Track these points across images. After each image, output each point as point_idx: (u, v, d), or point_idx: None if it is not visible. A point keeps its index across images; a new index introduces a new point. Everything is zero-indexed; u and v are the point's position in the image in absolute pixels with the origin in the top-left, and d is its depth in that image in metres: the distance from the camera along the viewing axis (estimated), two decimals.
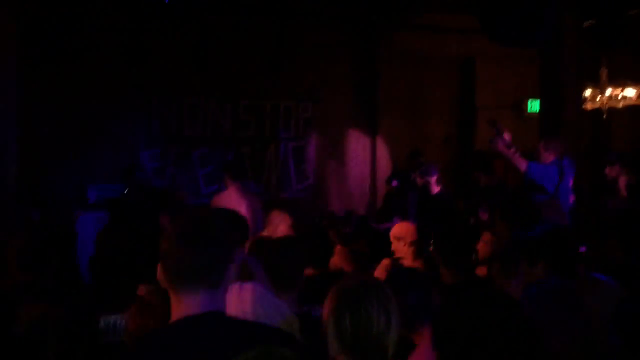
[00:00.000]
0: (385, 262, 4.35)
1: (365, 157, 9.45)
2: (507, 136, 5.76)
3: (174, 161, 8.15)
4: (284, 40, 8.35)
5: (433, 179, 7.17)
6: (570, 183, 6.15)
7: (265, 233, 4.48)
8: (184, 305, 1.67)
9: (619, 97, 8.01)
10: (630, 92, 7.93)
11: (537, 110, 8.46)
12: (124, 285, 3.09)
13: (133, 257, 4.12)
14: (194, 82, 8.11)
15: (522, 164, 5.74)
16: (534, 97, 8.98)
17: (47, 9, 6.95)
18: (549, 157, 6.08)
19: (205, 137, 8.36)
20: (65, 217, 6.88)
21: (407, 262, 4.34)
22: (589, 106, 8.15)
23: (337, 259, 5.00)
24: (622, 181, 6.16)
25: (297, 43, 8.58)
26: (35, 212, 5.64)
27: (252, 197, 6.04)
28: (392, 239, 4.89)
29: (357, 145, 9.40)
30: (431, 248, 3.75)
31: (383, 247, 5.63)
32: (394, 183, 8.45)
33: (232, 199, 5.67)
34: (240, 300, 2.12)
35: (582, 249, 3.38)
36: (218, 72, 8.16)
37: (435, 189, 7.28)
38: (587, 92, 8.05)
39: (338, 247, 5.15)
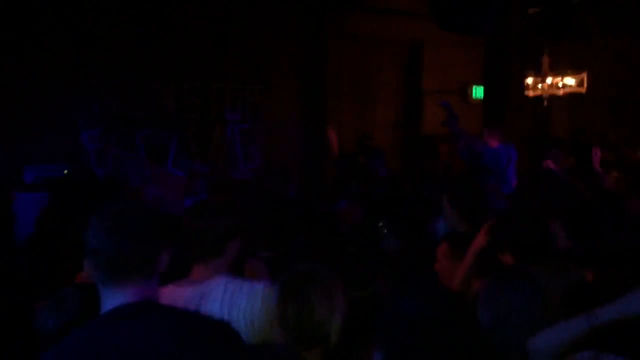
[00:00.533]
0: None
1: (313, 140, 9.42)
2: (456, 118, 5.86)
3: (117, 142, 7.91)
4: (231, 20, 8.20)
5: (380, 163, 7.23)
6: (514, 168, 6.34)
7: None
8: (112, 299, 1.63)
9: (560, 85, 8.25)
10: (570, 80, 8.18)
11: (482, 97, 8.63)
12: (63, 270, 2.97)
13: (74, 240, 3.98)
14: (137, 60, 7.86)
15: (478, 145, 5.82)
16: (479, 83, 9.15)
17: None
18: (493, 143, 6.24)
19: (149, 118, 8.14)
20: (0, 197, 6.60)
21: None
22: (530, 93, 8.36)
23: None
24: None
25: (245, 24, 8.44)
26: None
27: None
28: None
29: (306, 128, 9.36)
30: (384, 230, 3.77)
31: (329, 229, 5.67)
32: (341, 166, 8.46)
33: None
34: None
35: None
36: (162, 51, 7.93)
37: (382, 172, 7.33)
38: (529, 80, 8.26)
39: None
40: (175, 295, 2.20)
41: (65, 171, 6.99)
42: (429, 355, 1.44)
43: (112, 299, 1.62)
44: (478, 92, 9.55)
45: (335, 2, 8.85)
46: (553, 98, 8.72)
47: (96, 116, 7.71)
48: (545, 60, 8.18)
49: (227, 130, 8.77)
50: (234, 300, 2.23)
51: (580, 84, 8.25)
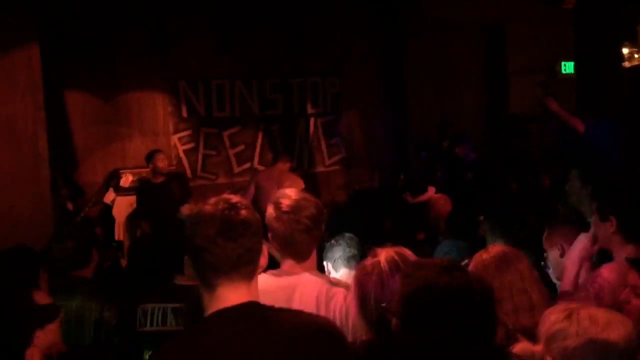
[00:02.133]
0: None
1: (395, 129, 9.31)
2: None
3: (205, 142, 8.15)
4: (306, 15, 8.22)
5: (468, 147, 7.03)
6: (618, 145, 5.94)
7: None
8: (217, 301, 1.63)
9: None
10: None
11: (572, 72, 8.22)
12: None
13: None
14: (219, 63, 8.06)
15: (579, 124, 5.46)
16: (568, 58, 8.72)
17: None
18: (589, 121, 5.85)
19: (234, 117, 8.33)
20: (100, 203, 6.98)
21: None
22: (627, 64, 7.85)
23: None
24: None
25: (320, 17, 8.44)
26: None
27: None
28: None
29: (387, 117, 9.27)
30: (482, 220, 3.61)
31: (417, 219, 5.58)
32: (424, 154, 8.33)
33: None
34: None
35: None
36: (243, 51, 8.08)
37: (471, 156, 7.14)
38: (625, 50, 7.75)
39: None
40: (269, 283, 2.24)
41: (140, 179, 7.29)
42: None
43: (217, 301, 1.62)
44: (568, 67, 9.09)
45: None
46: None
47: (184, 119, 7.98)
48: None
49: (309, 123, 8.83)
50: (329, 305, 2.24)
51: None
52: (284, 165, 7.25)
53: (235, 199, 1.70)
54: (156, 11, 7.44)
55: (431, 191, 7.07)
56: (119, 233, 7.07)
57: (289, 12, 8.17)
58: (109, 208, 6.90)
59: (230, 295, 1.62)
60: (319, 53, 8.65)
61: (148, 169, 7.10)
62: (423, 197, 6.90)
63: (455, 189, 7.07)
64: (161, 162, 6.86)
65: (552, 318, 1.70)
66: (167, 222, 6.10)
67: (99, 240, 3.35)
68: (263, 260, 1.71)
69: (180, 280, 2.85)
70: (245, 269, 1.64)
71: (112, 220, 6.99)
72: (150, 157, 6.90)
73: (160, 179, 6.83)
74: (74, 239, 2.92)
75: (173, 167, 7.63)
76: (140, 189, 6.85)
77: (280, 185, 5.76)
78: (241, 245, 1.61)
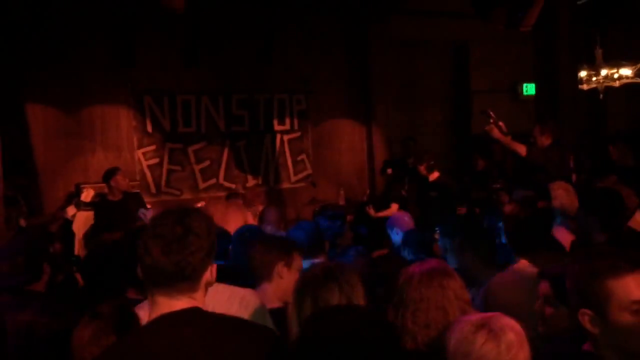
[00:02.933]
0: None
1: (361, 146, 9.40)
2: (501, 123, 5.73)
3: (170, 157, 8.10)
4: (274, 30, 8.28)
5: (422, 167, 7.13)
6: (571, 164, 6.13)
7: None
8: (160, 307, 1.65)
9: (615, 77, 7.95)
10: (626, 71, 7.87)
11: (533, 93, 8.41)
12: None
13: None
14: (185, 78, 8.05)
15: (521, 149, 5.70)
16: (529, 80, 8.92)
17: (29, 8, 6.85)
18: (546, 141, 6.04)
19: (200, 133, 8.30)
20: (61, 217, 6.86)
21: None
22: (585, 87, 8.09)
23: None
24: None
25: (288, 33, 8.52)
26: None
27: None
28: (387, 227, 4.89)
29: (353, 134, 9.35)
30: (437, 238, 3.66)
31: (380, 233, 5.63)
32: (389, 171, 8.42)
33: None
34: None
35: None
36: (209, 67, 8.10)
37: (433, 175, 7.24)
38: (583, 73, 7.99)
39: None
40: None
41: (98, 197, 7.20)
42: None
43: (160, 307, 1.65)
44: (529, 89, 9.32)
45: (376, 6, 8.81)
46: (609, 90, 8.40)
47: (149, 134, 7.93)
48: (599, 51, 7.89)
49: (276, 140, 8.85)
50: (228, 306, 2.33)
51: (637, 73, 7.92)
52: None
53: (192, 211, 1.71)
54: (123, 23, 7.42)
55: (394, 207, 7.14)
56: (78, 248, 6.96)
57: (257, 29, 8.22)
58: (69, 223, 6.79)
59: (169, 304, 1.64)
60: (286, 70, 8.71)
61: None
62: (385, 213, 6.98)
63: (419, 206, 7.18)
64: (122, 181, 6.74)
65: (460, 327, 1.75)
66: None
67: (50, 253, 3.30)
68: (208, 276, 1.71)
69: (131, 294, 2.83)
70: (182, 285, 1.64)
71: (73, 235, 6.88)
72: (109, 174, 6.74)
73: (118, 197, 6.72)
74: (23, 254, 2.88)
75: (134, 184, 7.53)
76: (97, 205, 6.74)
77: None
78: (175, 261, 1.61)
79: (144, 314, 1.87)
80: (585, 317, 1.77)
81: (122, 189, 6.73)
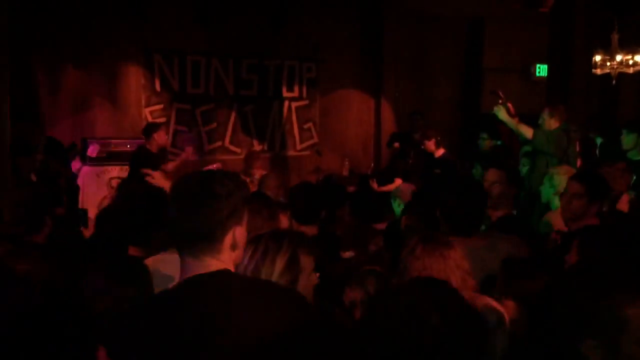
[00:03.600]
0: None
1: (369, 118, 9.38)
2: (510, 105, 5.69)
3: (177, 118, 8.11)
4: None
5: (430, 143, 7.12)
6: (578, 148, 6.09)
7: None
8: (187, 269, 1.67)
9: (630, 63, 7.83)
10: None
11: (545, 75, 8.33)
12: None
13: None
14: (196, 39, 8.00)
15: (528, 132, 5.68)
16: (543, 61, 8.83)
17: None
18: (554, 124, 6.00)
19: (208, 95, 8.29)
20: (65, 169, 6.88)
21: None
22: (598, 71, 7.98)
23: None
24: None
25: (301, 1, 8.43)
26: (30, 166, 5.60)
27: None
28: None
29: (362, 105, 9.32)
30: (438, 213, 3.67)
31: (383, 207, 5.64)
32: (396, 144, 8.40)
33: None
34: None
35: None
36: (220, 30, 8.04)
37: (438, 152, 7.23)
38: (597, 58, 7.87)
39: None
40: None
41: (128, 145, 7.21)
42: None
43: (187, 269, 1.66)
44: (542, 70, 9.22)
45: None
46: (622, 76, 8.30)
47: (157, 93, 7.92)
48: (615, 36, 7.76)
49: (283, 106, 8.84)
50: None
51: None
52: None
53: (217, 173, 1.74)
54: None
55: (397, 182, 7.14)
56: (84, 202, 7.00)
57: None
58: (74, 176, 6.83)
59: (194, 265, 1.66)
60: (298, 37, 8.65)
61: (118, 140, 7.04)
62: (389, 187, 6.98)
63: (422, 182, 7.17)
64: (163, 136, 6.64)
65: None
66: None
67: (52, 206, 3.33)
68: (231, 239, 1.68)
69: (132, 251, 2.86)
70: (203, 245, 1.65)
71: (77, 188, 6.92)
72: (151, 128, 6.64)
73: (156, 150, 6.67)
74: (25, 205, 2.92)
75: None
76: (136, 153, 6.62)
77: None
78: (191, 221, 1.64)
79: (173, 269, 1.86)
80: (589, 347, 1.49)
81: (161, 145, 6.65)
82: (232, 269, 1.70)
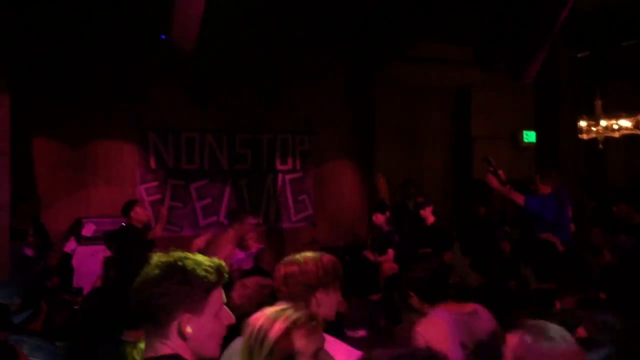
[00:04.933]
0: None
1: (362, 188, 9.45)
2: (501, 172, 5.79)
3: (172, 194, 8.16)
4: (280, 72, 8.43)
5: (427, 211, 7.18)
6: (569, 213, 6.16)
7: None
8: (146, 349, 1.69)
9: (615, 127, 8.05)
10: (625, 122, 7.98)
11: (533, 141, 8.50)
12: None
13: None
14: (190, 117, 8.17)
15: (519, 199, 5.77)
16: (530, 127, 9.03)
17: (39, 46, 7.00)
18: (545, 189, 6.10)
19: (203, 170, 8.38)
20: (60, 251, 6.87)
21: None
22: (585, 136, 8.18)
23: None
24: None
25: (293, 75, 8.65)
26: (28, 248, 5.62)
27: None
28: None
29: (355, 176, 9.41)
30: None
31: (376, 278, 5.63)
32: (387, 214, 8.43)
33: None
34: None
35: None
36: (214, 108, 8.22)
37: (430, 219, 7.27)
38: (583, 123, 8.09)
39: None
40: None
41: (123, 223, 7.21)
42: None
43: (146, 350, 1.68)
44: (529, 136, 9.41)
45: (381, 51, 8.98)
46: (609, 140, 8.50)
47: (153, 170, 8.00)
48: (598, 102, 8.02)
49: (277, 179, 8.91)
50: None
51: (636, 125, 8.03)
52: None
53: (177, 256, 1.72)
54: (132, 61, 7.55)
55: (390, 254, 7.15)
56: (79, 282, 6.95)
57: (263, 70, 8.37)
58: (68, 257, 6.81)
59: (150, 347, 1.68)
60: (290, 110, 8.84)
61: (114, 219, 7.04)
62: (383, 258, 6.99)
63: (412, 251, 7.17)
64: (142, 212, 6.65)
65: None
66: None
67: (47, 289, 3.32)
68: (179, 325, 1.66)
69: (127, 336, 2.84)
70: (151, 328, 1.67)
71: (72, 269, 6.89)
72: (129, 206, 6.65)
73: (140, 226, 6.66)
74: (21, 296, 2.92)
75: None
76: (120, 232, 6.61)
77: None
78: (137, 300, 1.67)
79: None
80: None
81: (142, 221, 6.66)
82: (188, 356, 1.66)
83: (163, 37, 6.16)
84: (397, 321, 3.48)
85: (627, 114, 8.03)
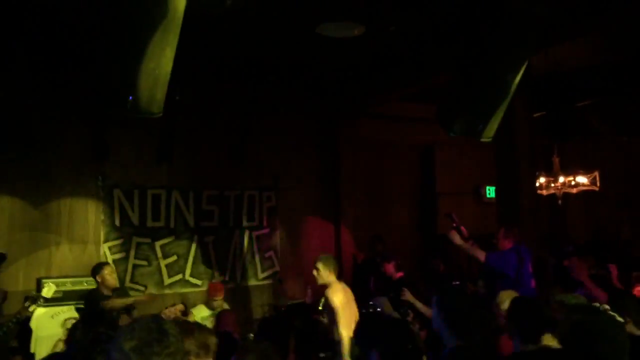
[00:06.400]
0: None
1: (330, 244, 9.47)
2: (463, 228, 5.91)
3: (136, 252, 8.03)
4: (247, 129, 8.52)
5: (390, 266, 7.23)
6: (530, 269, 6.27)
7: None
8: None
9: (572, 184, 8.31)
10: (582, 179, 8.25)
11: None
12: None
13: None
14: (157, 174, 8.14)
15: (481, 255, 5.89)
16: (492, 183, 9.23)
17: (2, 102, 6.98)
18: (507, 244, 6.23)
19: (168, 227, 8.30)
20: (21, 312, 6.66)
21: None
22: (544, 192, 8.41)
23: None
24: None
25: (260, 132, 8.77)
26: None
27: None
28: None
29: (322, 232, 9.44)
30: None
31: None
32: (356, 269, 8.46)
33: None
34: None
35: None
36: (181, 165, 8.23)
37: (397, 274, 7.30)
38: (542, 180, 8.33)
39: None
40: None
41: (85, 283, 7.07)
42: None
43: None
44: (491, 192, 9.64)
45: (346, 109, 9.19)
46: (568, 196, 8.74)
47: (117, 228, 7.89)
48: (556, 160, 8.30)
49: (244, 236, 8.88)
50: None
51: (593, 181, 8.30)
52: None
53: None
54: (97, 118, 7.52)
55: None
56: (37, 346, 6.73)
57: (230, 128, 8.45)
58: (27, 319, 6.60)
59: None
60: (258, 166, 8.90)
61: (75, 279, 6.91)
62: None
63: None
64: (109, 276, 6.43)
65: None
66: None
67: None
68: None
69: None
70: None
71: (30, 332, 6.68)
72: (96, 270, 6.48)
73: (107, 294, 6.43)
74: None
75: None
76: (89, 297, 6.43)
77: None
78: None
79: None
80: None
81: (110, 286, 6.46)
82: None
83: (130, 98, 6.19)
84: None
85: (584, 171, 8.30)
